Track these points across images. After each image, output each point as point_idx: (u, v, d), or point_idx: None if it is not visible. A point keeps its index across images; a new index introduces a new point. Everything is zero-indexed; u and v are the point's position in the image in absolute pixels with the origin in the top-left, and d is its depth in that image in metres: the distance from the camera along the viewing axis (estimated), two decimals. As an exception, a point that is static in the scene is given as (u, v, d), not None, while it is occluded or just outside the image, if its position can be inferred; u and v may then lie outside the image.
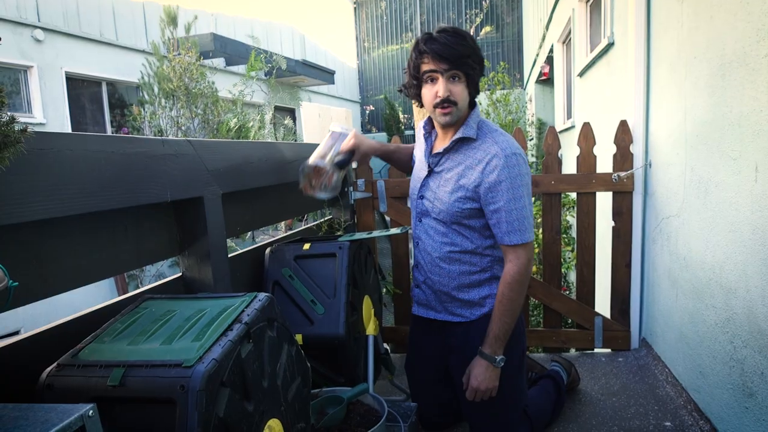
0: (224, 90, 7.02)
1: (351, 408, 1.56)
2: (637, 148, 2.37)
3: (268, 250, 1.82)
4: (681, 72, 1.97)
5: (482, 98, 7.55)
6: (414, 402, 1.73)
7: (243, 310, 1.04)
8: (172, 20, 5.93)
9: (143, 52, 8.05)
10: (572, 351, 2.65)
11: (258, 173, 1.73)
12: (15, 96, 6.81)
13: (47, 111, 7.05)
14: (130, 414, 0.88)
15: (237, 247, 4.81)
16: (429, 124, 1.67)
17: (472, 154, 1.53)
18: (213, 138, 4.88)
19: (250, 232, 6.59)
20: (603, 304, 2.55)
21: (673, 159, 2.06)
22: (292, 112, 12.72)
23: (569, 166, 4.24)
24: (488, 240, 1.58)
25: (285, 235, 2.12)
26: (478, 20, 16.04)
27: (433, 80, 1.49)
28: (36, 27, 6.87)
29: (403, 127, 15.92)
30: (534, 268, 2.53)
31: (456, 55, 1.44)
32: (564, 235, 4.80)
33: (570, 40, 5.90)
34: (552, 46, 7.33)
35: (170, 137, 2.31)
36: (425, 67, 1.48)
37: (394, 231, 2.02)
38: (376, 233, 1.97)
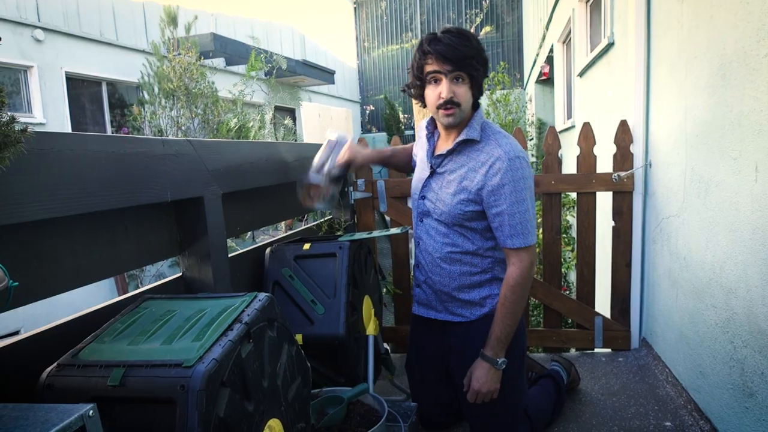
0: (224, 90, 7.02)
1: (351, 408, 1.56)
2: (637, 148, 2.37)
3: (268, 250, 1.81)
4: (681, 72, 1.97)
5: (482, 98, 7.53)
6: (414, 402, 1.73)
7: (243, 310, 1.04)
8: (172, 20, 5.93)
9: (143, 52, 8.05)
10: (572, 351, 2.65)
11: (258, 173, 1.73)
12: (15, 96, 6.81)
13: (47, 111, 7.05)
14: (131, 414, 0.88)
15: (237, 247, 4.81)
16: (432, 124, 1.67)
17: (475, 157, 1.52)
18: (213, 138, 4.88)
19: (250, 232, 6.59)
20: (603, 304, 2.55)
21: (674, 159, 2.06)
22: (292, 112, 12.72)
23: (569, 166, 4.24)
24: (489, 241, 1.57)
25: (285, 235, 2.12)
26: (478, 20, 16.04)
27: (437, 81, 1.48)
28: (36, 27, 6.87)
29: (403, 127, 15.92)
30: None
31: (460, 56, 1.43)
32: (564, 235, 4.80)
33: (570, 40, 5.90)
34: (552, 46, 7.33)
35: (170, 137, 2.32)
36: (429, 68, 1.47)
37: (394, 231, 2.02)
38: (376, 233, 1.97)
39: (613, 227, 2.41)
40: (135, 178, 1.17)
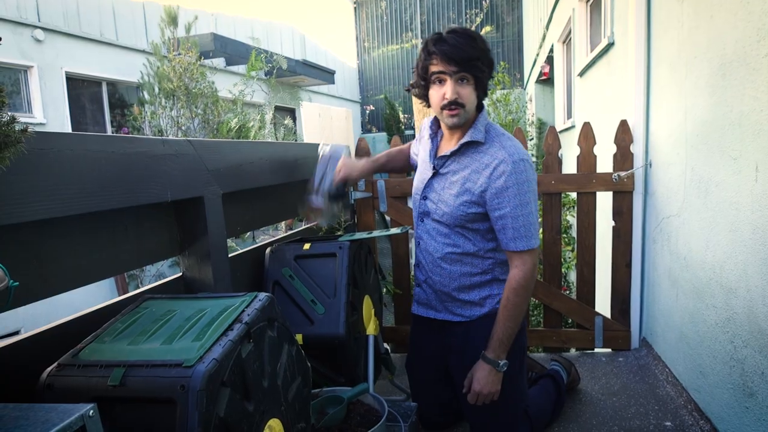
0: (224, 90, 7.02)
1: (351, 408, 1.56)
2: (637, 148, 2.37)
3: (268, 250, 1.81)
4: (681, 71, 1.97)
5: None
6: (414, 402, 1.73)
7: (243, 310, 1.04)
8: (173, 20, 5.93)
9: (143, 52, 8.05)
10: (572, 351, 2.65)
11: (258, 173, 1.73)
12: (15, 96, 6.81)
13: (47, 111, 7.05)
14: (131, 414, 0.88)
15: (237, 247, 4.81)
16: (435, 124, 1.66)
17: (479, 158, 1.51)
18: (213, 138, 4.88)
19: (250, 232, 6.59)
20: (603, 304, 2.55)
21: (674, 159, 2.06)
22: (292, 112, 12.72)
23: (569, 166, 4.24)
24: (490, 243, 1.57)
25: (285, 235, 2.12)
26: (478, 20, 16.03)
27: (441, 81, 1.47)
28: (36, 27, 6.87)
29: (403, 127, 15.91)
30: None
31: (465, 57, 1.42)
32: (564, 235, 4.80)
33: (570, 39, 5.90)
34: (552, 45, 7.33)
35: (170, 137, 2.31)
36: (433, 68, 1.46)
37: (394, 231, 2.02)
38: (376, 233, 1.97)
39: (613, 227, 2.41)
40: (135, 178, 1.17)
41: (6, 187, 0.87)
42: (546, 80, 8.79)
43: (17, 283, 0.79)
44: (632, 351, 2.44)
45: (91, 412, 0.68)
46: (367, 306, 1.87)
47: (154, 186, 1.23)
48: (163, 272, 6.26)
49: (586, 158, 2.38)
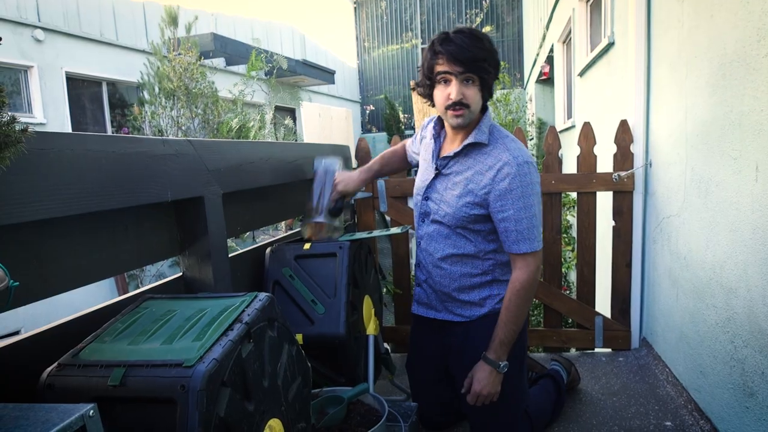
0: (224, 90, 7.02)
1: (351, 408, 1.56)
2: (637, 148, 2.37)
3: (268, 250, 1.81)
4: (681, 71, 1.97)
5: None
6: (415, 402, 1.73)
7: (243, 310, 1.04)
8: (173, 20, 5.94)
9: (143, 52, 8.04)
10: (573, 350, 2.65)
11: (258, 173, 1.73)
12: (15, 96, 6.81)
13: (47, 111, 7.05)
14: (131, 414, 0.88)
15: (237, 247, 4.81)
16: (439, 124, 1.65)
17: (482, 160, 1.51)
18: (213, 138, 4.88)
19: (250, 232, 6.59)
20: (603, 304, 2.55)
21: (674, 158, 2.06)
22: (292, 112, 12.72)
23: (569, 166, 4.24)
24: (491, 244, 1.57)
25: (285, 235, 2.12)
26: (478, 20, 16.03)
27: (447, 82, 1.46)
28: (36, 27, 6.87)
29: (403, 127, 15.91)
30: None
31: (471, 58, 1.41)
32: (564, 235, 4.79)
33: (570, 39, 5.90)
34: (552, 45, 7.33)
35: (170, 137, 2.31)
36: (439, 68, 1.45)
37: (394, 231, 2.02)
38: (376, 233, 1.97)
39: (614, 227, 2.41)
40: (135, 178, 1.17)
41: (6, 187, 0.87)
42: (546, 80, 8.79)
43: (17, 283, 0.79)
44: (632, 351, 2.44)
45: (92, 412, 0.68)
46: (367, 306, 1.87)
47: (155, 186, 1.23)
48: (163, 272, 6.26)
49: (587, 158, 2.38)
